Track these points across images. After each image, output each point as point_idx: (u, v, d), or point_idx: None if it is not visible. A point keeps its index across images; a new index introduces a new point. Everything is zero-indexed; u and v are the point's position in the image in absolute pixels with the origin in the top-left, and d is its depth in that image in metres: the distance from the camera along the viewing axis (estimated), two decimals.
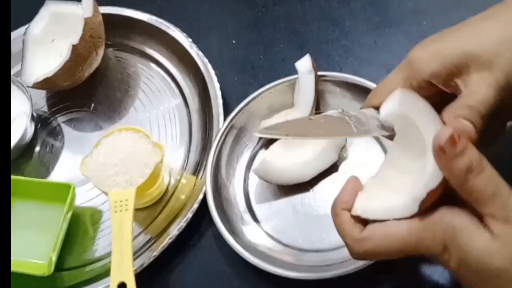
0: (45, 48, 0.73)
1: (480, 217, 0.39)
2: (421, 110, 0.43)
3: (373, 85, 0.63)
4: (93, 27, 0.69)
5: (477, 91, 0.43)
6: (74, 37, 0.68)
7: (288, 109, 0.66)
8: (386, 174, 0.47)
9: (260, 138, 0.66)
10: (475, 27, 0.46)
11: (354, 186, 0.46)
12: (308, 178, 0.61)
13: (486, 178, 0.38)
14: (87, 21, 0.68)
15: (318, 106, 0.65)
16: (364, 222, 0.44)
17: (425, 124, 0.43)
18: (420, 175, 0.42)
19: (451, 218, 0.39)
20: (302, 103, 0.63)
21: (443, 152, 0.38)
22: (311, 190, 0.62)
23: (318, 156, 0.61)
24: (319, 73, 0.64)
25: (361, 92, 0.63)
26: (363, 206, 0.44)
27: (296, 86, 0.65)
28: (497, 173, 0.39)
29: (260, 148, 0.66)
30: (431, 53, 0.46)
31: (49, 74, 0.68)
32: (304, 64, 0.64)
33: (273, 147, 0.64)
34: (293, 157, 0.62)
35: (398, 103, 0.45)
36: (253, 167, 0.63)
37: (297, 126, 0.47)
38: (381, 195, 0.45)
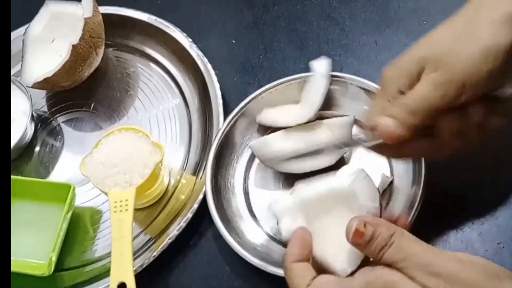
0: (45, 48, 0.73)
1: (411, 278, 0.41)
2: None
3: None
4: (93, 27, 0.69)
5: (415, 89, 0.46)
6: (74, 37, 0.68)
7: (293, 104, 0.65)
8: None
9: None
10: (431, 35, 0.49)
11: (304, 238, 0.47)
12: (299, 171, 0.61)
13: (396, 248, 0.41)
14: (87, 21, 0.68)
15: (329, 106, 0.65)
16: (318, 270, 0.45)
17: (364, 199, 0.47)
18: None
19: (389, 274, 0.41)
20: (308, 104, 0.63)
21: (355, 243, 0.43)
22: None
23: (317, 153, 0.61)
24: (334, 72, 0.64)
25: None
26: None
27: (306, 84, 0.65)
28: (411, 239, 0.42)
29: None
30: (394, 68, 0.49)
31: (49, 74, 0.68)
32: (321, 66, 0.64)
33: (277, 133, 0.63)
34: (292, 146, 0.62)
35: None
36: (251, 142, 0.63)
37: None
38: (330, 240, 0.47)
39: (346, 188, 0.48)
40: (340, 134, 0.61)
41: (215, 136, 0.65)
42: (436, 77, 0.45)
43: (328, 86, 0.63)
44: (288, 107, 0.65)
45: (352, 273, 0.44)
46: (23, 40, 0.73)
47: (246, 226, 0.61)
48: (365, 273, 0.43)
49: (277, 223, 0.58)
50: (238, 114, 0.65)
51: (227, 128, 0.65)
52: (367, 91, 0.63)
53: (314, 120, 0.63)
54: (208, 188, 0.61)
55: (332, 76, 0.64)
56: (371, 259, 0.44)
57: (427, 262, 0.40)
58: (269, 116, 0.64)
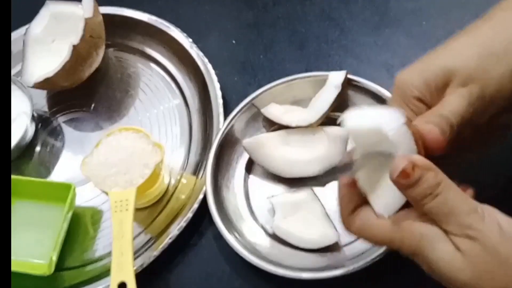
0: (45, 48, 0.73)
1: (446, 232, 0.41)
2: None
3: None
4: (93, 27, 0.69)
5: (450, 102, 0.46)
6: (74, 37, 0.68)
7: (300, 106, 0.66)
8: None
9: None
10: (455, 44, 0.48)
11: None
12: (288, 175, 0.62)
13: (441, 201, 0.40)
14: (87, 21, 0.68)
15: (346, 109, 0.64)
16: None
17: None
18: None
19: (419, 226, 0.41)
20: (314, 109, 0.63)
21: (398, 183, 0.41)
22: (311, 192, 0.62)
23: (311, 161, 0.62)
24: (351, 76, 0.64)
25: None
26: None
27: (321, 90, 0.65)
28: (457, 194, 0.41)
29: None
30: (415, 73, 0.48)
31: (49, 74, 0.68)
32: (336, 78, 0.64)
33: (275, 133, 0.64)
34: (287, 150, 0.63)
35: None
36: (245, 140, 0.63)
37: None
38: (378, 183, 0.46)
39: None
40: (335, 147, 0.61)
41: (215, 136, 0.65)
42: (469, 93, 0.45)
43: (338, 97, 0.63)
44: (294, 108, 0.66)
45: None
46: (23, 40, 0.73)
47: (246, 225, 0.61)
48: (398, 220, 0.42)
49: (273, 215, 0.59)
50: (238, 114, 0.65)
51: (227, 128, 0.65)
52: (378, 97, 0.63)
53: (317, 126, 0.63)
54: (208, 188, 0.61)
55: (350, 80, 0.64)
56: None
57: (468, 224, 0.39)
58: (274, 111, 0.65)
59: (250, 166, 0.65)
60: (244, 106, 0.66)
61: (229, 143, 0.65)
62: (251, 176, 0.64)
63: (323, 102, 0.63)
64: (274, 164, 0.62)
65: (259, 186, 0.64)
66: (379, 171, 0.45)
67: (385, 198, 0.44)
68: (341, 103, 0.64)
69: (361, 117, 0.44)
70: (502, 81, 0.45)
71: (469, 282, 0.39)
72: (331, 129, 0.63)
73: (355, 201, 0.45)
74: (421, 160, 0.41)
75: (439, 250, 0.40)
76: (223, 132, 0.65)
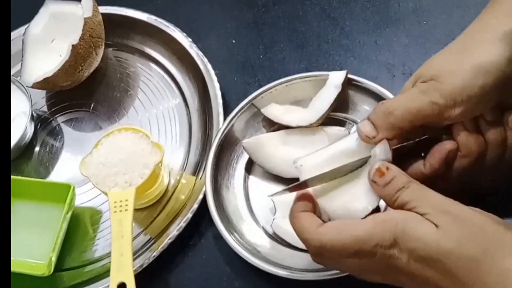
0: (45, 48, 0.73)
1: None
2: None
3: None
4: (92, 27, 0.69)
5: (403, 93, 0.49)
6: (74, 37, 0.68)
7: (300, 106, 0.66)
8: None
9: None
10: (433, 56, 0.50)
11: (306, 195, 0.49)
12: (287, 175, 0.62)
13: (414, 188, 0.44)
14: (86, 21, 0.68)
15: (343, 109, 0.65)
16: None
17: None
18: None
19: (400, 214, 0.43)
20: (314, 109, 0.63)
21: (374, 182, 0.45)
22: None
23: None
24: (352, 76, 0.64)
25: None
26: (323, 204, 0.49)
27: (321, 89, 0.65)
28: (427, 188, 0.44)
29: None
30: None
31: (49, 74, 0.68)
32: (336, 78, 0.64)
33: (275, 133, 0.64)
34: (287, 150, 0.62)
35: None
36: (244, 140, 0.63)
37: None
38: (338, 197, 0.50)
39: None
40: None
41: (215, 136, 0.64)
42: (424, 85, 0.47)
43: (338, 97, 0.63)
44: (295, 108, 0.66)
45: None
46: (23, 40, 0.73)
47: (246, 226, 0.61)
48: (376, 215, 0.44)
49: (274, 214, 0.59)
50: (238, 115, 0.65)
51: (227, 128, 0.65)
52: (379, 96, 0.63)
53: (317, 126, 0.63)
54: (208, 188, 0.61)
55: (350, 79, 0.64)
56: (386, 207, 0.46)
57: (439, 202, 0.43)
58: (274, 111, 0.65)
59: (250, 166, 0.65)
60: (244, 106, 0.65)
61: (229, 143, 0.65)
62: (251, 176, 0.64)
63: (323, 102, 0.63)
64: (273, 164, 0.62)
65: (259, 186, 0.64)
66: (341, 186, 0.49)
67: (362, 196, 0.48)
68: (341, 103, 0.64)
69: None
70: (464, 77, 0.45)
71: (451, 250, 0.40)
72: (331, 129, 0.63)
73: (317, 220, 0.46)
74: (393, 166, 0.46)
75: (421, 227, 0.42)
76: (223, 132, 0.64)
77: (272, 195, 0.57)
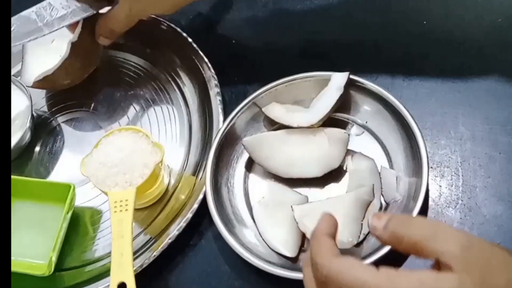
0: (45, 48, 0.73)
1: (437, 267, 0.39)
2: None
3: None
4: (92, 24, 0.69)
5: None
6: (73, 36, 0.68)
7: (301, 106, 0.66)
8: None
9: None
10: None
11: (332, 219, 0.46)
12: (286, 175, 0.62)
13: (419, 225, 0.41)
14: (85, 19, 0.68)
15: (347, 109, 0.65)
16: None
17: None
18: None
19: (418, 273, 0.39)
20: (315, 110, 0.63)
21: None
22: (311, 195, 0.62)
23: (310, 162, 0.62)
24: (353, 77, 0.64)
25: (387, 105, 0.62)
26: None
27: (323, 90, 0.65)
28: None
29: None
30: None
31: (49, 73, 0.68)
32: (338, 79, 0.63)
33: (275, 133, 0.64)
34: (287, 150, 0.62)
35: None
36: (244, 138, 0.63)
37: None
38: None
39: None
40: (336, 149, 0.61)
41: (215, 136, 0.65)
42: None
43: (340, 99, 0.63)
44: (296, 108, 0.66)
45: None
46: None
47: (246, 226, 0.61)
48: (395, 271, 0.40)
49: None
50: (238, 114, 0.65)
51: (227, 128, 0.65)
52: (380, 97, 0.63)
53: (318, 127, 0.63)
54: (208, 188, 0.61)
55: (352, 80, 0.64)
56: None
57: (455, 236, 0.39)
58: (275, 110, 0.65)
59: (250, 166, 0.65)
60: (245, 105, 0.66)
61: (229, 143, 0.65)
62: (251, 176, 0.64)
63: (325, 103, 0.63)
64: (273, 163, 0.62)
65: (259, 186, 0.64)
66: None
67: (347, 230, 0.53)
68: (342, 103, 0.64)
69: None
70: None
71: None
72: (332, 131, 0.63)
73: (336, 249, 0.43)
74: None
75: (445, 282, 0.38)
76: (223, 132, 0.64)
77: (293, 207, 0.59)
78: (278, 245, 0.58)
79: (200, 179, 0.64)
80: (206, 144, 0.67)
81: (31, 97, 0.70)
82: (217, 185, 0.62)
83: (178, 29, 0.74)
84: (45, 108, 0.75)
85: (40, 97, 0.75)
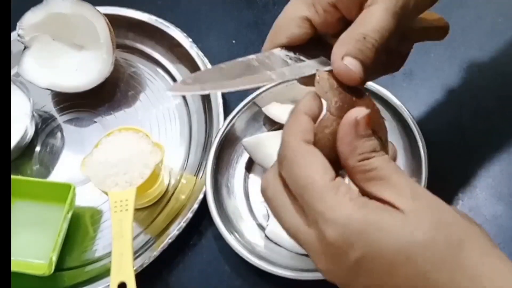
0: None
1: (381, 201, 0.35)
2: None
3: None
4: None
5: (373, 16, 0.38)
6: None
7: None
8: None
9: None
10: None
11: (317, 99, 0.39)
12: None
13: (384, 160, 0.36)
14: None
15: None
16: None
17: None
18: None
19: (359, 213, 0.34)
20: None
21: (355, 132, 0.36)
22: None
23: None
24: None
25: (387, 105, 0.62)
26: None
27: None
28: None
29: None
30: None
31: None
32: None
33: (274, 133, 0.64)
34: None
35: None
36: (244, 139, 0.63)
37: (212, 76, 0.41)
38: None
39: None
40: None
41: (215, 136, 0.65)
42: (393, 4, 0.39)
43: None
44: (289, 105, 0.66)
45: None
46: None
47: (246, 226, 0.61)
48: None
49: (267, 220, 0.59)
50: (238, 114, 0.65)
51: (227, 128, 0.65)
52: (380, 97, 0.62)
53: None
54: (208, 188, 0.61)
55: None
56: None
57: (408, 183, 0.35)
58: (275, 110, 0.65)
59: (250, 166, 0.65)
60: (245, 105, 0.66)
61: (229, 143, 0.65)
62: (251, 176, 0.64)
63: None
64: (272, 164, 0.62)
65: (259, 186, 0.63)
66: None
67: None
68: None
69: None
70: None
71: (428, 238, 0.33)
72: None
73: (328, 171, 0.36)
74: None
75: (390, 220, 0.34)
76: (223, 131, 0.64)
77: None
78: None
79: (200, 179, 0.64)
80: (206, 144, 0.67)
81: (31, 97, 0.70)
82: (217, 185, 0.62)
83: (178, 29, 0.74)
84: (46, 108, 0.75)
85: (40, 97, 0.75)
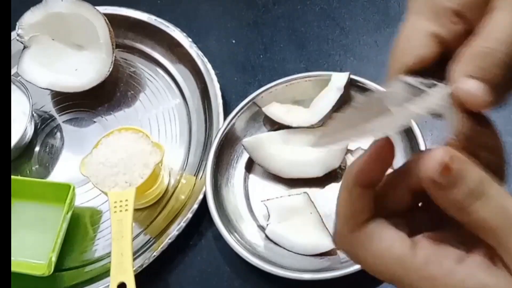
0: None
1: (491, 256, 0.29)
2: None
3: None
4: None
5: (499, 22, 0.30)
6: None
7: (301, 106, 0.66)
8: None
9: None
10: None
11: (382, 155, 0.30)
12: (287, 176, 0.62)
13: (490, 207, 0.28)
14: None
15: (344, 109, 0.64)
16: None
17: None
18: None
19: (479, 276, 0.28)
20: (317, 110, 0.63)
21: (436, 185, 0.28)
22: (311, 194, 0.61)
23: (310, 162, 0.61)
24: (354, 77, 0.64)
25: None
26: None
27: (323, 90, 0.64)
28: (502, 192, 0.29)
29: None
30: None
31: None
32: (339, 79, 0.63)
33: (275, 133, 0.64)
34: (287, 150, 0.62)
35: None
36: (244, 139, 0.63)
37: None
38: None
39: None
40: (335, 149, 0.61)
41: (215, 136, 0.64)
42: None
43: (340, 99, 0.62)
44: (296, 108, 0.65)
45: None
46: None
47: (246, 226, 0.61)
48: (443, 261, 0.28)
49: (267, 219, 0.58)
50: (238, 114, 0.65)
51: (227, 128, 0.65)
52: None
53: (318, 127, 0.63)
54: (208, 188, 0.61)
55: (352, 80, 0.64)
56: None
57: None
58: (276, 110, 0.65)
59: (250, 166, 0.65)
60: (245, 105, 0.65)
61: (229, 143, 0.65)
62: (251, 176, 0.64)
63: (325, 104, 0.63)
64: (273, 164, 0.62)
65: (259, 186, 0.64)
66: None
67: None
68: (343, 104, 0.63)
69: None
70: None
71: None
72: None
73: (368, 209, 0.30)
74: (454, 151, 0.29)
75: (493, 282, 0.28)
76: (223, 132, 0.64)
77: (266, 201, 0.57)
78: (315, 249, 0.57)
79: (200, 179, 0.64)
80: (206, 144, 0.67)
81: (31, 97, 0.70)
82: (217, 185, 0.62)
83: (178, 29, 0.74)
84: (45, 108, 0.75)
85: (40, 97, 0.75)
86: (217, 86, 0.69)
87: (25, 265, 0.61)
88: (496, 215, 0.28)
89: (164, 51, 0.75)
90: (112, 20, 0.74)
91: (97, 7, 0.72)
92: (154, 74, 0.74)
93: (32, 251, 0.62)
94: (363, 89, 0.64)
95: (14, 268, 0.59)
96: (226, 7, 0.79)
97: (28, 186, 0.65)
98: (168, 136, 0.70)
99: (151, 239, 0.62)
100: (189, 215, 0.61)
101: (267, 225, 0.60)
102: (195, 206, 0.62)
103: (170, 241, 0.60)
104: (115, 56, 0.71)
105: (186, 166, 0.67)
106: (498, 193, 0.28)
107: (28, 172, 0.70)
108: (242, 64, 0.73)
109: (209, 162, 0.63)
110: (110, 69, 0.71)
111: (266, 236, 0.60)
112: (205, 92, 0.69)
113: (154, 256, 0.60)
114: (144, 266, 0.60)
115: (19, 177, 0.67)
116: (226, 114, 0.67)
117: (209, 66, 0.70)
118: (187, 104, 0.71)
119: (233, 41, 0.76)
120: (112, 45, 0.70)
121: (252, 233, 0.60)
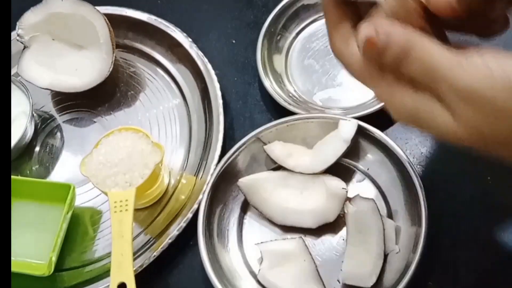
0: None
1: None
2: None
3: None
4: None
5: None
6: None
7: (304, 147, 0.63)
8: None
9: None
10: None
11: None
12: (280, 222, 0.60)
13: (416, 65, 0.33)
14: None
15: (352, 155, 0.61)
16: None
17: None
18: None
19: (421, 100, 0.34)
20: (321, 158, 0.60)
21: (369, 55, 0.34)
22: (306, 239, 0.59)
23: (306, 213, 0.59)
24: (361, 124, 0.60)
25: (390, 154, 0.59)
26: None
27: (329, 135, 0.61)
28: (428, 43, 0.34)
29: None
30: None
31: None
32: (346, 130, 0.60)
33: (273, 174, 0.62)
34: (283, 195, 0.60)
35: None
36: (240, 179, 0.61)
37: None
38: None
39: None
40: (333, 203, 0.58)
41: (213, 171, 0.62)
42: None
43: (346, 150, 0.60)
44: (299, 148, 0.63)
45: None
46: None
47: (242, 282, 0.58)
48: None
49: (260, 264, 0.57)
50: (241, 148, 0.63)
51: (226, 164, 0.62)
52: (386, 147, 0.59)
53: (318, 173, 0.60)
54: (200, 233, 0.59)
55: (360, 127, 0.60)
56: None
57: (457, 84, 0.32)
58: (277, 151, 0.62)
59: (246, 205, 0.62)
60: (247, 140, 0.63)
61: (227, 179, 0.62)
62: (247, 216, 0.62)
63: (330, 153, 0.60)
64: (268, 209, 0.60)
65: (254, 229, 0.61)
66: None
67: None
68: (359, 154, 0.61)
69: None
70: None
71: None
72: (332, 183, 0.59)
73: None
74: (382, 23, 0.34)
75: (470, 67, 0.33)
76: (221, 167, 0.62)
77: (259, 244, 0.56)
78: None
79: (200, 178, 0.64)
80: (206, 144, 0.67)
81: (31, 97, 0.70)
82: (210, 229, 0.60)
83: (178, 29, 0.74)
84: (45, 108, 0.75)
85: (40, 97, 0.75)
86: (217, 86, 0.69)
87: (25, 265, 0.61)
88: (421, 72, 0.33)
89: (164, 51, 0.75)
90: (112, 20, 0.74)
91: (97, 7, 0.72)
92: (154, 74, 0.74)
93: (32, 251, 0.62)
94: (369, 137, 0.60)
95: (14, 268, 0.59)
96: (226, 7, 0.79)
97: (28, 186, 0.65)
98: (168, 136, 0.70)
99: (151, 239, 0.62)
100: (189, 215, 0.61)
101: (259, 270, 0.57)
102: (195, 206, 0.62)
103: (170, 241, 0.60)
104: (115, 56, 0.71)
105: (186, 166, 0.67)
106: (423, 47, 0.33)
107: (28, 172, 0.70)
108: (242, 64, 0.73)
109: (202, 206, 0.60)
110: (110, 69, 0.71)
111: (259, 282, 0.57)
112: (205, 92, 0.69)
113: (154, 256, 0.60)
114: (144, 266, 0.60)
115: (19, 177, 0.67)
116: (226, 114, 0.66)
117: (209, 66, 0.70)
118: (187, 104, 0.71)
119: (233, 41, 0.76)
120: (112, 45, 0.70)
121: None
